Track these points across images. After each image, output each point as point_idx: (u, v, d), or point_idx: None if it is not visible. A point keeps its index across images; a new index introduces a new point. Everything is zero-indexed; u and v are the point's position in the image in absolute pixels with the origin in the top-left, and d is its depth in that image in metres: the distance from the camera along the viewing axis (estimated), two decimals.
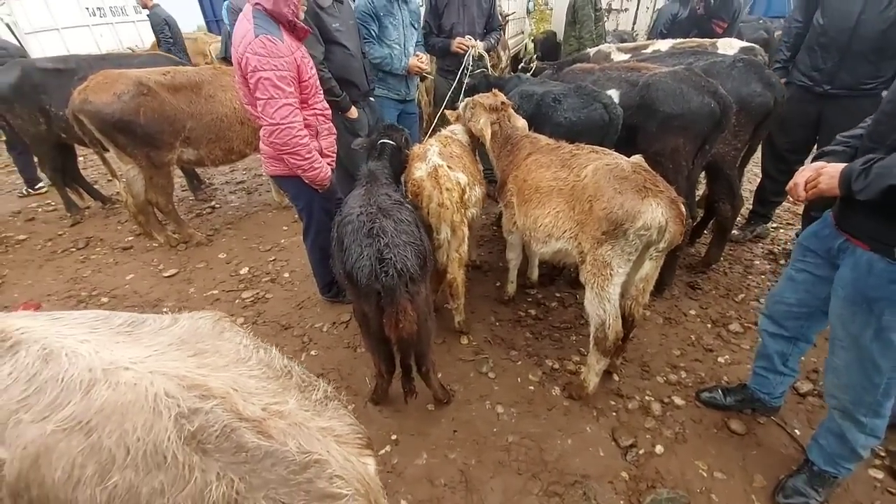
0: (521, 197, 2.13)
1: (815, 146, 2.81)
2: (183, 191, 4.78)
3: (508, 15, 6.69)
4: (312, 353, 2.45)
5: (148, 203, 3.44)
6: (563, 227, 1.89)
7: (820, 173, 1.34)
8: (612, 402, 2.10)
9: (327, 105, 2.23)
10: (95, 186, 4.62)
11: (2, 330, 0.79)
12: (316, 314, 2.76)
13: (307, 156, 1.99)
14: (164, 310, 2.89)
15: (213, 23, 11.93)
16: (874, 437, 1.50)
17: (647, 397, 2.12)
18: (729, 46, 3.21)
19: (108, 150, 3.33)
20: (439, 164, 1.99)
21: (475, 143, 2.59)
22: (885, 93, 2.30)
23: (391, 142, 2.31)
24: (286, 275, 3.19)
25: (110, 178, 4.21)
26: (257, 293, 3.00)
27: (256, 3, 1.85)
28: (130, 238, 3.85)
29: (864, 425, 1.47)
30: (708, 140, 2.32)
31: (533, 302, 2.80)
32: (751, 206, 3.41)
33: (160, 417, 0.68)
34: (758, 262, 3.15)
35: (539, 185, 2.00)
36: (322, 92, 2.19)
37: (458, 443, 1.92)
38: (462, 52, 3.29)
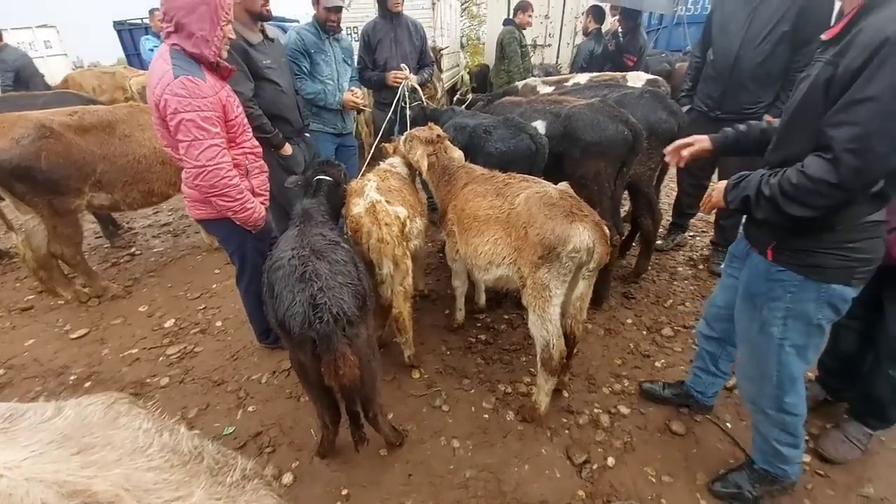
0: (461, 226, 2.17)
1: (718, 164, 3.18)
2: (97, 237, 4.32)
3: (443, 49, 7.01)
4: (250, 408, 2.25)
5: (51, 256, 3.05)
6: (502, 254, 1.94)
7: (715, 189, 1.51)
8: (564, 420, 2.13)
9: (257, 143, 2.15)
10: None
11: None
12: (253, 364, 2.55)
13: (238, 196, 1.88)
14: (72, 377, 2.54)
15: (134, 56, 11.25)
16: (788, 435, 1.58)
17: (595, 410, 2.18)
18: (637, 79, 3.60)
19: (2, 200, 2.94)
20: (377, 200, 1.97)
21: (416, 173, 2.63)
22: (766, 115, 2.72)
23: (328, 178, 2.27)
24: (218, 323, 2.95)
25: (6, 230, 3.70)
26: (185, 347, 2.73)
27: (174, 45, 1.77)
28: (31, 297, 3.38)
29: (771, 417, 1.58)
30: (625, 163, 2.54)
31: (482, 327, 2.81)
32: (670, 218, 3.75)
33: None
34: (680, 269, 3.44)
35: (477, 213, 2.06)
36: (251, 130, 2.11)
37: (414, 487, 1.83)
38: (397, 84, 3.37)
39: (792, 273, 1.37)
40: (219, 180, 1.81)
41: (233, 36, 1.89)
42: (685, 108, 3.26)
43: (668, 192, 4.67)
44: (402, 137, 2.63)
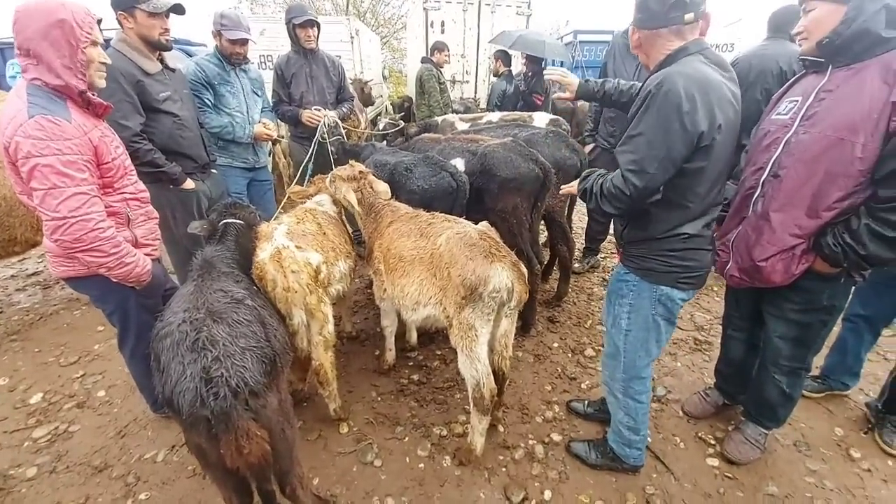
0: (388, 265, 2.11)
1: None
2: None
3: (368, 81, 7.06)
4: (142, 496, 1.88)
5: None
6: (428, 294, 1.91)
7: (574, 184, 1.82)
8: (501, 457, 2.10)
9: (143, 187, 1.89)
10: None
11: None
12: (146, 440, 2.17)
13: (112, 251, 1.61)
14: None
15: (4, 78, 9.63)
16: (630, 419, 1.86)
17: (530, 441, 2.19)
18: (542, 119, 3.93)
19: None
20: (283, 246, 1.83)
21: (344, 210, 2.55)
22: None
23: (237, 220, 2.07)
24: (101, 393, 2.48)
25: None
26: (56, 428, 2.24)
27: (34, 79, 1.51)
28: None
29: (619, 400, 1.86)
30: (538, 197, 2.70)
31: (414, 366, 2.72)
32: (584, 244, 4.06)
33: None
34: (596, 289, 3.70)
35: (402, 254, 2.02)
36: (133, 172, 1.86)
37: None
38: (313, 124, 3.27)
39: (633, 275, 1.65)
40: (86, 233, 1.54)
41: (106, 60, 1.66)
42: (590, 147, 3.62)
43: (581, 217, 5.09)
44: (328, 178, 2.53)
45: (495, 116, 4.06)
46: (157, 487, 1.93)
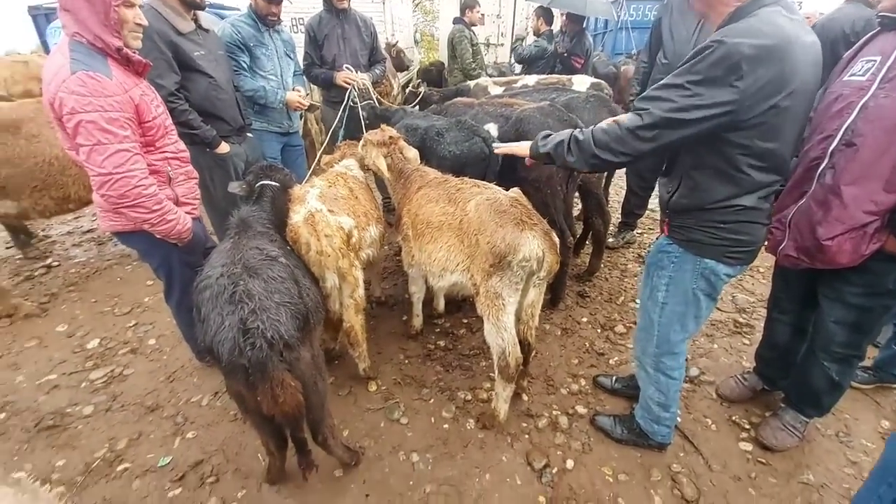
0: (416, 231, 2.10)
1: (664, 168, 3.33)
2: (7, 247, 3.81)
3: (395, 44, 6.84)
4: (189, 435, 2.05)
5: None
6: (455, 261, 1.89)
7: (520, 146, 1.76)
8: (524, 424, 2.13)
9: (183, 146, 1.94)
10: None
11: None
12: (192, 386, 2.34)
13: (155, 207, 1.68)
14: None
15: (54, 43, 10.06)
16: (661, 394, 1.81)
17: (554, 412, 2.19)
18: (582, 83, 3.68)
19: None
20: (317, 209, 1.84)
21: (374, 176, 2.53)
22: None
23: (272, 182, 2.10)
24: (151, 341, 2.68)
25: None
26: (112, 370, 2.45)
27: (75, 34, 1.54)
28: None
29: (650, 375, 1.81)
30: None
31: (441, 332, 2.76)
32: (619, 218, 3.89)
33: None
34: (630, 266, 3.57)
35: (430, 219, 1.99)
36: (174, 132, 1.90)
37: None
38: (346, 86, 3.22)
39: (676, 246, 1.56)
40: (130, 189, 1.60)
41: (142, 22, 1.67)
42: None
43: (617, 190, 4.85)
44: (361, 143, 2.51)
45: (531, 80, 3.84)
46: (202, 428, 2.09)
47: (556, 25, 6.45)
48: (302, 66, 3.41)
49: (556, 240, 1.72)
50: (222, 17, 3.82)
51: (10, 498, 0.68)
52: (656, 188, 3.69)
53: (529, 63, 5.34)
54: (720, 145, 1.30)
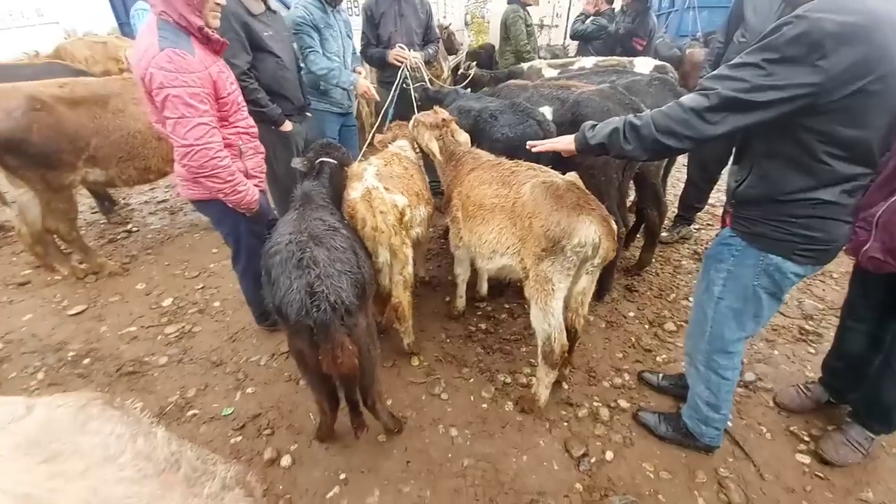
0: (466, 213, 2.12)
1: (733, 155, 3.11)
2: (94, 213, 4.26)
3: (448, 26, 6.78)
4: (248, 390, 2.24)
5: (46, 231, 3.00)
6: (506, 244, 1.89)
7: (560, 140, 1.71)
8: (563, 412, 2.12)
9: (252, 122, 2.06)
10: None
11: None
12: (252, 346, 2.54)
13: (228, 178, 1.81)
14: (70, 354, 2.53)
15: (127, 25, 10.89)
16: (711, 394, 1.72)
17: (595, 403, 2.17)
18: (645, 65, 3.47)
19: None
20: (374, 186, 1.90)
21: (424, 156, 2.57)
22: None
23: (331, 160, 2.20)
24: (216, 304, 2.92)
25: (1, 204, 3.64)
26: (183, 327, 2.71)
27: (162, 12, 1.67)
28: (27, 272, 3.33)
29: (700, 373, 1.74)
30: None
31: (483, 315, 2.78)
32: (676, 211, 3.68)
33: None
34: (685, 262, 3.39)
35: (482, 201, 2.00)
36: (245, 108, 2.02)
37: (412, 474, 1.83)
38: (398, 63, 3.24)
39: (739, 239, 1.47)
40: (208, 160, 1.73)
41: (221, 1, 1.78)
42: None
43: (674, 182, 4.58)
44: (411, 122, 2.54)
45: (589, 62, 3.68)
46: (260, 385, 2.27)
47: (617, 6, 6.09)
48: (360, 47, 3.47)
49: (615, 227, 1.67)
50: (287, 6, 3.94)
51: (117, 419, 0.78)
52: (720, 180, 3.45)
53: (585, 41, 5.08)
54: (796, 132, 1.20)
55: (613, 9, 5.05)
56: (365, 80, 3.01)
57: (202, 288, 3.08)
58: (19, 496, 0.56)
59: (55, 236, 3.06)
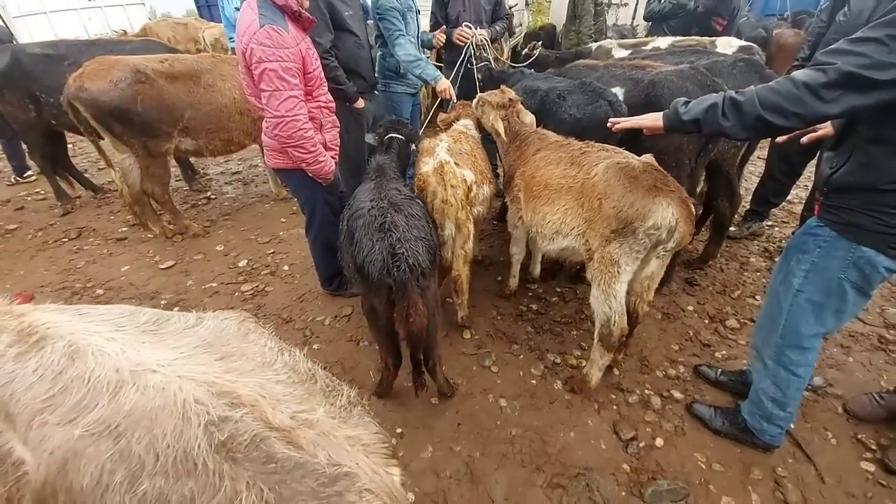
0: (529, 193, 2.14)
1: (834, 140, 2.86)
2: (177, 181, 4.71)
3: (512, 6, 6.62)
4: (315, 346, 2.45)
5: (144, 193, 3.38)
6: (571, 225, 1.90)
7: (648, 116, 1.67)
8: (613, 396, 2.14)
9: (331, 97, 2.20)
10: (86, 175, 4.52)
11: (29, 324, 0.77)
12: (317, 307, 2.75)
13: (312, 149, 1.96)
14: (163, 302, 2.87)
15: (205, 8, 11.60)
16: (779, 390, 1.66)
17: (646, 391, 2.16)
18: (728, 45, 3.23)
19: (102, 139, 3.25)
20: (446, 161, 1.98)
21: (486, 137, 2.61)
22: None
23: (399, 136, 2.31)
24: (286, 267, 3.17)
25: (102, 166, 4.13)
26: (257, 286, 2.98)
27: None
28: (124, 229, 3.79)
29: (768, 368, 1.67)
30: (711, 138, 2.33)
31: (534, 297, 2.82)
32: (747, 205, 3.46)
33: (190, 424, 0.67)
34: (753, 259, 3.20)
35: (548, 181, 2.01)
36: (326, 84, 2.16)
37: (463, 435, 1.94)
38: (461, 43, 3.25)
39: (828, 229, 1.41)
40: (296, 131, 1.88)
41: None
42: None
43: (747, 175, 4.27)
44: (475, 101, 2.58)
45: (664, 42, 3.48)
46: (325, 343, 2.48)
47: None
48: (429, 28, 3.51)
49: (693, 210, 1.64)
50: None
51: (267, 335, 0.92)
52: (804, 173, 3.19)
53: (661, 21, 4.77)
54: None
55: None
56: (446, 80, 2.94)
57: (273, 253, 3.36)
58: (206, 383, 0.71)
59: (151, 198, 3.44)
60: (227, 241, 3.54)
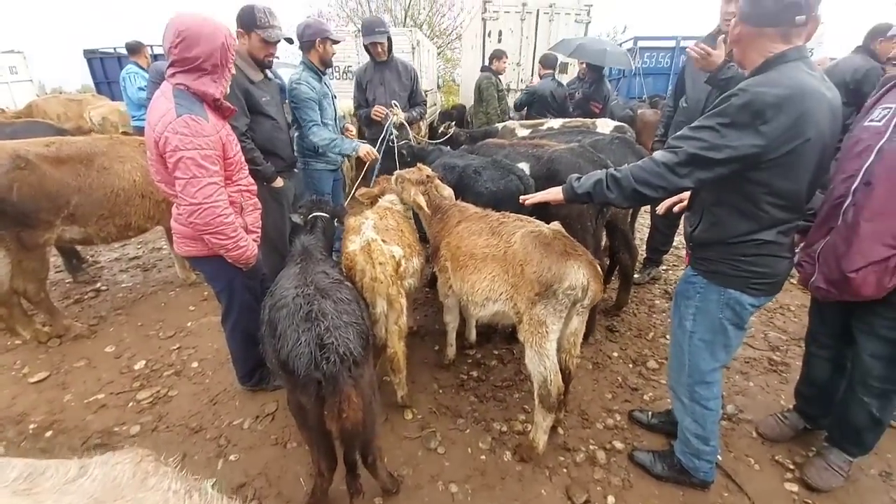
0: (456, 262, 2.21)
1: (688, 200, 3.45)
2: (58, 272, 4.05)
3: (427, 91, 7.35)
4: (232, 457, 2.10)
5: (14, 292, 2.83)
6: (499, 290, 1.98)
7: (550, 191, 1.89)
8: (561, 458, 2.12)
9: (252, 180, 2.14)
10: None
11: None
12: (234, 409, 2.41)
13: (232, 235, 1.85)
14: (32, 426, 2.31)
15: (104, 84, 11.00)
16: (699, 426, 1.80)
17: (591, 446, 2.18)
18: (605, 125, 3.90)
19: None
20: (373, 238, 1.99)
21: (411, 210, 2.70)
22: None
23: (324, 214, 2.29)
24: (194, 364, 2.78)
25: None
26: (157, 391, 2.54)
27: (178, 84, 1.78)
28: None
29: (686, 406, 1.83)
30: (605, 204, 2.69)
31: (473, 363, 2.80)
32: (644, 254, 3.96)
33: None
34: (658, 302, 3.59)
35: (473, 251, 2.11)
36: (246, 167, 2.11)
37: None
38: (377, 119, 3.48)
39: (700, 277, 1.65)
40: (214, 218, 1.78)
41: (234, 72, 1.94)
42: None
43: (639, 227, 4.94)
44: (394, 177, 2.69)
45: (556, 123, 4.09)
46: (244, 451, 2.14)
47: (571, 73, 6.86)
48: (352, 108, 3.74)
49: (599, 270, 1.81)
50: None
51: (171, 474, 0.75)
52: (680, 226, 3.78)
53: (521, 108, 5.71)
54: (741, 183, 1.42)
55: (553, 73, 5.57)
56: (366, 145, 3.14)
57: (178, 348, 2.94)
58: None
59: (22, 297, 2.89)
60: (121, 341, 3.04)
